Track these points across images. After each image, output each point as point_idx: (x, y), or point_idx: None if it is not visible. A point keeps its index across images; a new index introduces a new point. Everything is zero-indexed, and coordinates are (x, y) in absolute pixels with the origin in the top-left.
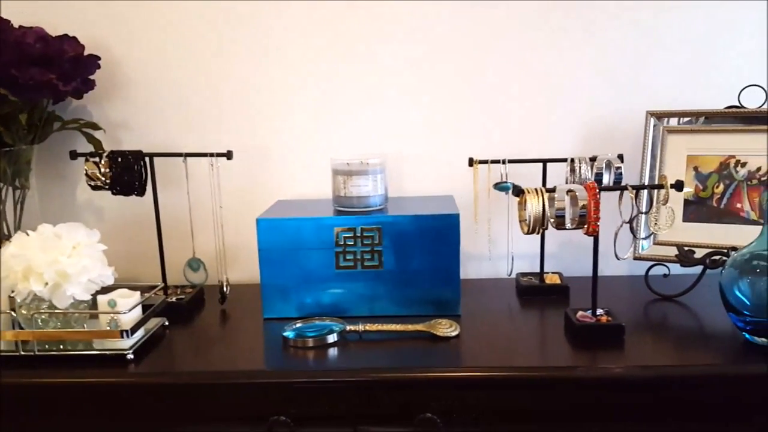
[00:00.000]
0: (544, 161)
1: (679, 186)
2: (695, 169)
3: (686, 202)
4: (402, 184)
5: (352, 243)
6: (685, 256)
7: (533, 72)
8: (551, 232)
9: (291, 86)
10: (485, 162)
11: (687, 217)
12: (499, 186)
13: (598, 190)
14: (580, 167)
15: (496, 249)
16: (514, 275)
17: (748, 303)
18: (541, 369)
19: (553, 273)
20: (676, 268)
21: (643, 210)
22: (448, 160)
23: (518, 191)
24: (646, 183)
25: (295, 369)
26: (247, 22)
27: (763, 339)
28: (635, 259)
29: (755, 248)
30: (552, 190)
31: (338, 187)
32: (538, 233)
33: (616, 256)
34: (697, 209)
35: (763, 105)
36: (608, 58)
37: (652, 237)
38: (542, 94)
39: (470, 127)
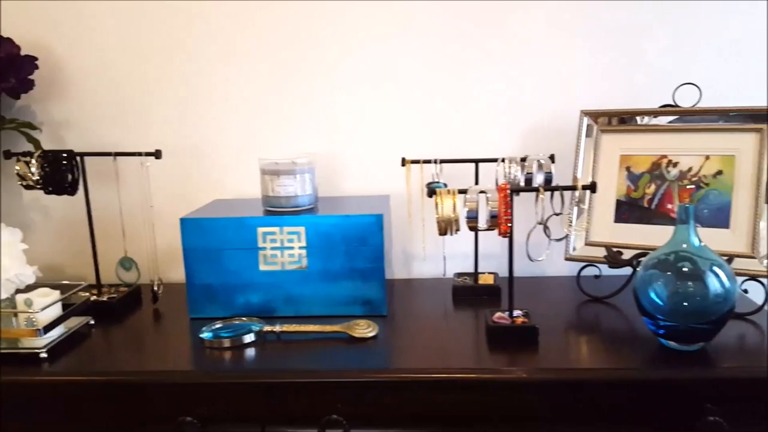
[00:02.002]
0: (476, 161)
1: (592, 187)
2: (627, 169)
3: (618, 203)
4: (342, 183)
5: (276, 243)
6: (613, 257)
7: (474, 71)
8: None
9: (235, 86)
10: (417, 162)
11: (619, 218)
12: (432, 186)
13: (509, 191)
14: (509, 168)
15: (440, 248)
16: (451, 275)
17: (660, 305)
18: (444, 371)
19: (488, 273)
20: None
21: (558, 211)
22: (389, 160)
23: (431, 192)
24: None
25: (206, 370)
26: (183, 22)
27: (674, 342)
28: (566, 260)
29: (666, 250)
30: (464, 191)
31: (266, 186)
32: (452, 234)
33: (529, 257)
34: (628, 210)
35: (697, 103)
36: (545, 57)
37: (583, 238)
38: (484, 94)
39: (411, 127)
